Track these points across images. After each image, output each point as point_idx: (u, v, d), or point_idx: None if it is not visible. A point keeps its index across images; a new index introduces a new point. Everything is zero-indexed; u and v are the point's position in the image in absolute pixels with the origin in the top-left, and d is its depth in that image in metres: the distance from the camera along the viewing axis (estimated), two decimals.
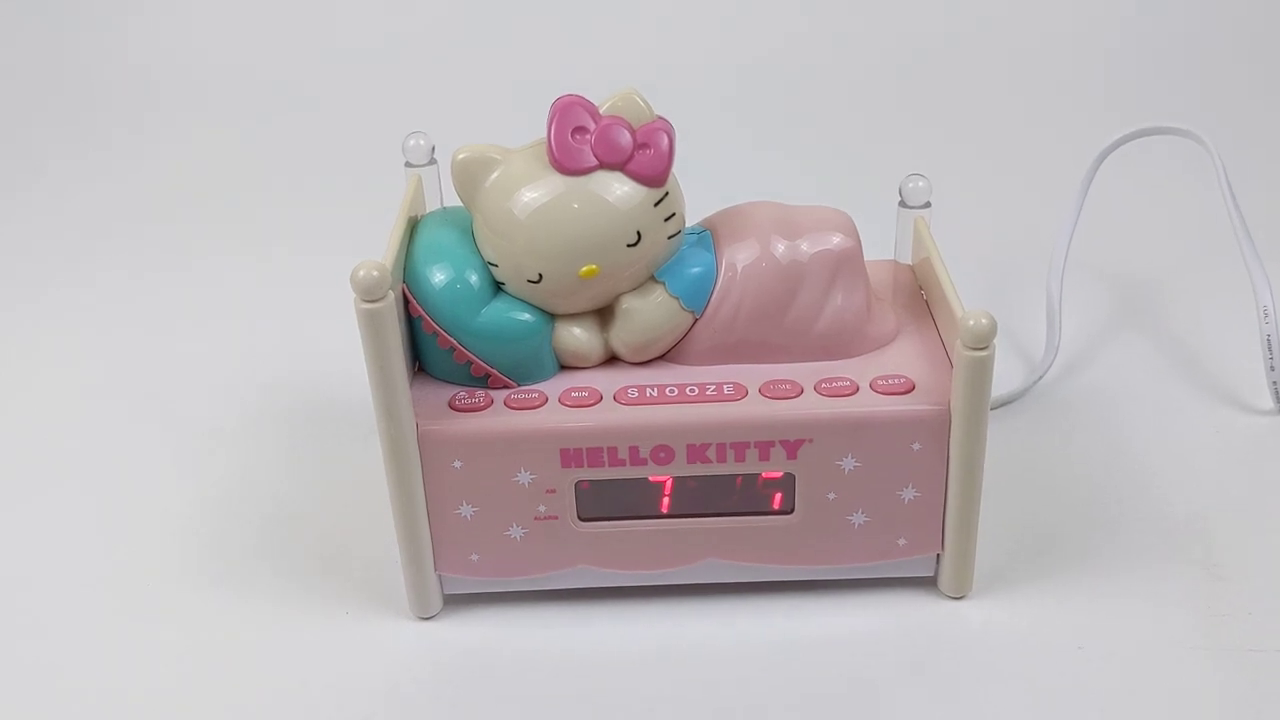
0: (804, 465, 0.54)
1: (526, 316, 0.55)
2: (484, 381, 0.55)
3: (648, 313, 0.55)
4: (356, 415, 0.68)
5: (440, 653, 0.56)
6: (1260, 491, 0.65)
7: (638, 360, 0.57)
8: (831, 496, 0.55)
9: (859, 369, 0.56)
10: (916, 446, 0.54)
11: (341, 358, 0.66)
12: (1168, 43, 1.16)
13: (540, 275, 0.53)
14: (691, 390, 0.55)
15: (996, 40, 1.17)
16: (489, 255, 0.54)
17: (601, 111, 0.53)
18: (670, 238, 0.54)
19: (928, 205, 0.63)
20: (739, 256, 0.55)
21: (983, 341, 0.51)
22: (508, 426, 0.54)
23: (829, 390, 0.54)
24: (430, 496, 0.55)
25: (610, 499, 0.55)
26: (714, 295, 0.55)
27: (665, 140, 0.53)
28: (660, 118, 0.54)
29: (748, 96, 1.14)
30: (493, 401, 0.55)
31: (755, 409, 0.54)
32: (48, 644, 0.57)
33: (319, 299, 0.73)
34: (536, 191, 0.53)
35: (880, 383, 0.55)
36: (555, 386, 0.55)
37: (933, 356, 0.57)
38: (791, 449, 0.54)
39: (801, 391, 0.54)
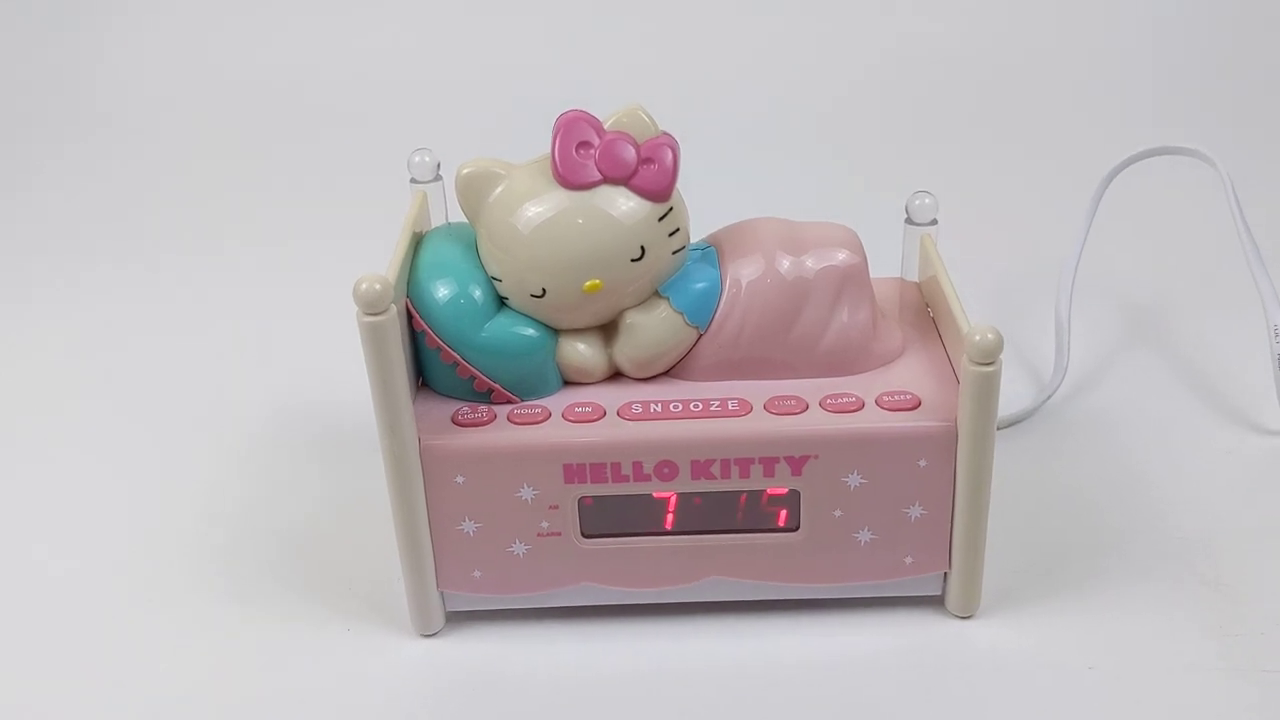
0: (809, 482, 0.54)
1: (530, 331, 0.54)
2: (487, 397, 0.55)
3: (652, 328, 0.55)
4: (360, 433, 0.68)
5: (442, 670, 0.56)
6: (1273, 511, 0.64)
7: (642, 376, 0.56)
8: (837, 514, 0.54)
9: (865, 385, 0.55)
10: (923, 463, 0.53)
11: (345, 375, 0.66)
12: (1176, 63, 1.16)
13: (544, 290, 0.53)
14: (696, 406, 0.54)
15: (1004, 60, 1.17)
16: (493, 270, 0.54)
17: (606, 127, 0.53)
18: (674, 253, 0.54)
19: (934, 223, 0.62)
20: (744, 272, 0.55)
21: (989, 356, 0.50)
22: (511, 441, 0.53)
23: (834, 406, 0.54)
24: (432, 512, 0.54)
25: (613, 515, 0.55)
26: (718, 311, 0.55)
27: (670, 155, 0.53)
28: (665, 133, 0.54)
29: (755, 114, 1.14)
30: (496, 416, 0.54)
31: (760, 425, 0.53)
32: (50, 660, 0.57)
33: (324, 316, 0.72)
34: (540, 206, 0.53)
35: (886, 399, 0.54)
36: (558, 402, 0.55)
37: (939, 373, 0.56)
38: (796, 465, 0.53)
39: (807, 407, 0.54)
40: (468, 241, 0.55)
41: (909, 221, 0.62)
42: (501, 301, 0.55)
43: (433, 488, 0.54)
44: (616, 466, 0.53)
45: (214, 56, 1.22)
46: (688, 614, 0.57)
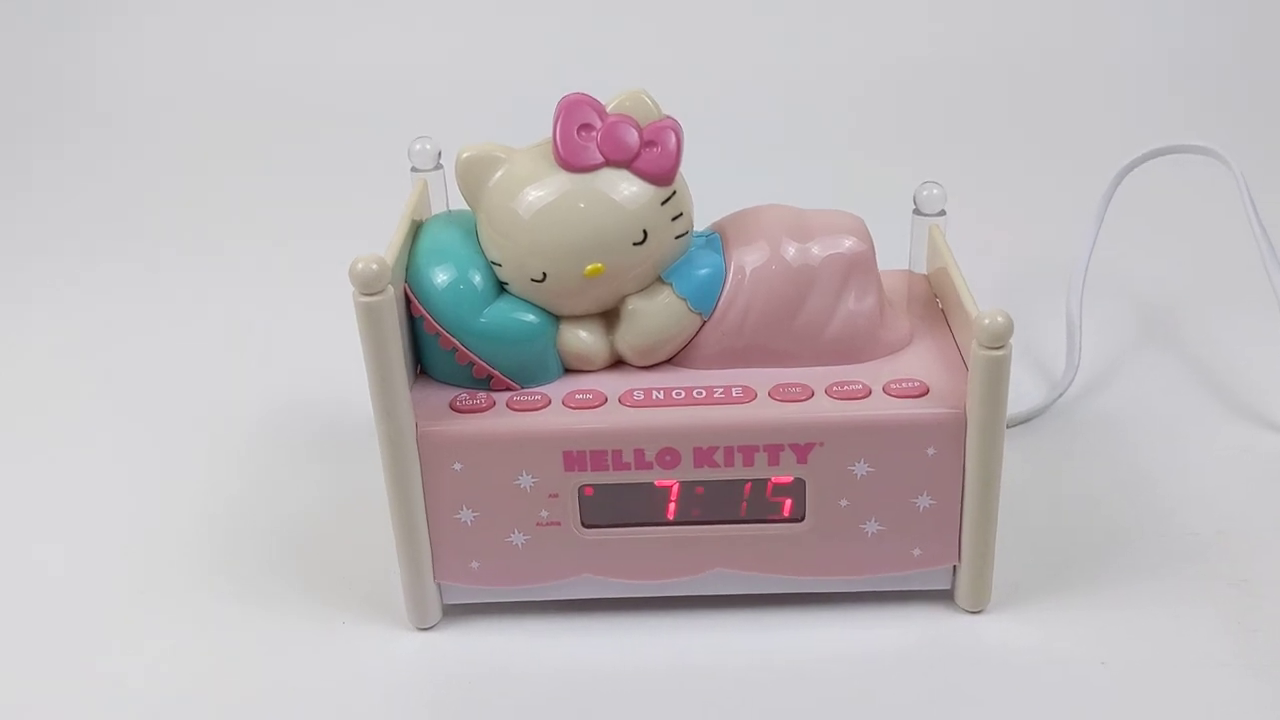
0: (815, 470, 0.52)
1: (530, 318, 0.53)
2: (486, 384, 0.54)
3: (654, 314, 0.54)
4: (360, 428, 0.67)
5: (438, 665, 0.55)
6: None
7: (644, 364, 0.55)
8: (844, 504, 0.53)
9: (872, 373, 0.54)
10: (931, 451, 0.52)
11: (345, 372, 0.65)
12: (1188, 60, 1.15)
13: (544, 274, 0.52)
14: (699, 393, 0.53)
15: (1016, 58, 1.17)
16: (493, 255, 0.53)
17: (609, 110, 0.52)
18: (678, 238, 0.53)
19: (943, 213, 0.61)
20: (748, 259, 0.54)
21: (999, 340, 0.49)
22: (509, 428, 0.52)
23: (840, 393, 0.53)
24: (429, 500, 0.53)
25: (614, 505, 0.53)
26: (722, 297, 0.54)
27: (673, 139, 0.52)
28: (668, 116, 0.53)
29: (762, 105, 1.13)
30: (495, 403, 0.53)
31: (764, 411, 0.52)
32: (45, 653, 0.56)
33: (324, 307, 0.72)
34: (541, 189, 0.52)
35: (894, 386, 0.53)
36: (559, 389, 0.54)
37: (948, 361, 0.55)
38: (802, 453, 0.52)
39: (812, 394, 0.53)
40: (467, 228, 0.54)
41: (917, 212, 0.62)
42: (501, 287, 0.54)
43: (430, 475, 0.53)
44: (618, 454, 0.52)
45: (211, 52, 1.22)
46: (690, 608, 0.56)
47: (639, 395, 0.53)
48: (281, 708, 0.53)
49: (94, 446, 0.72)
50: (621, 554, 0.54)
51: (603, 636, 0.55)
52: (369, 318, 0.49)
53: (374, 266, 0.48)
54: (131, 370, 0.80)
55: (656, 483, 0.53)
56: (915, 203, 0.62)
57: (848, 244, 0.55)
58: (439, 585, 0.56)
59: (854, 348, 0.55)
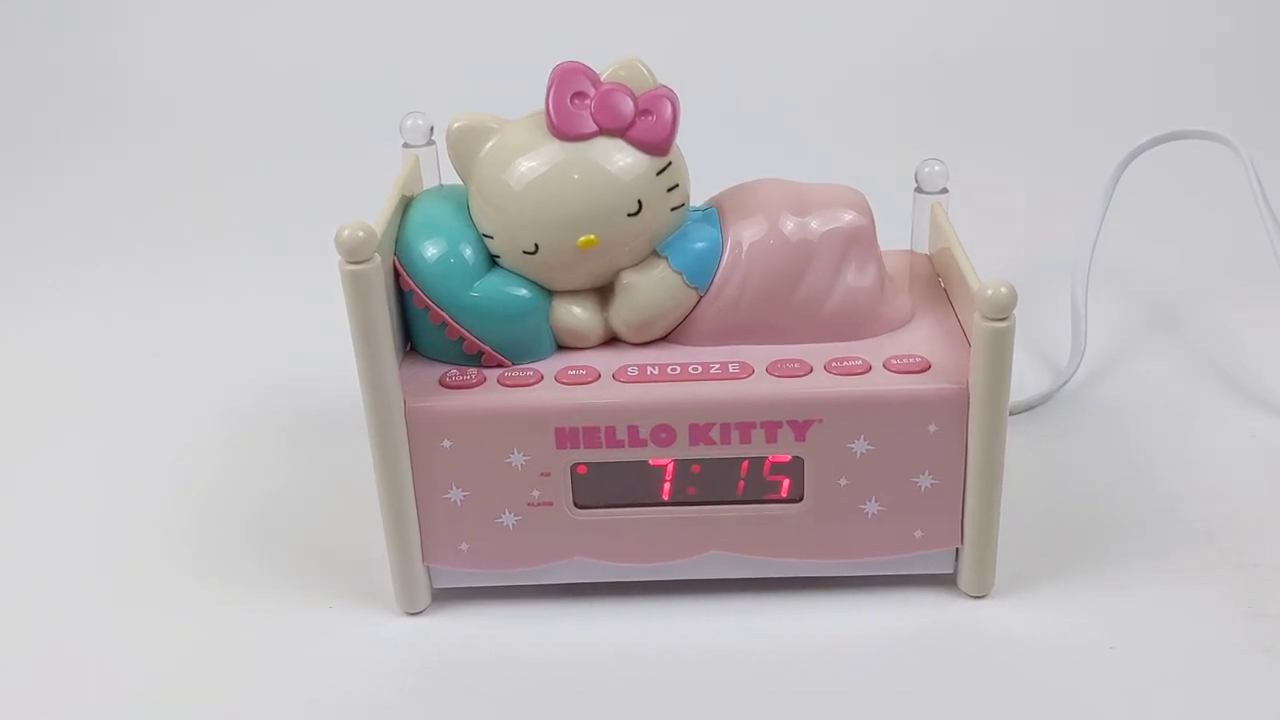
0: (813, 448, 0.51)
1: (522, 292, 0.52)
2: (477, 360, 0.53)
3: (649, 289, 0.52)
4: (347, 408, 0.65)
5: (427, 650, 0.53)
6: None
7: (639, 340, 0.54)
8: (843, 483, 0.52)
9: (872, 349, 0.53)
10: (933, 429, 0.51)
11: (337, 349, 0.63)
12: (1196, 45, 1.14)
13: (536, 246, 0.51)
14: (695, 368, 0.52)
15: (1020, 44, 1.16)
16: (484, 227, 0.52)
17: (603, 79, 0.51)
18: (673, 210, 0.52)
19: (945, 191, 0.60)
20: (746, 233, 0.53)
21: (1002, 311, 0.48)
22: (500, 404, 0.51)
23: (840, 369, 0.51)
24: (418, 479, 0.52)
25: (608, 484, 0.52)
26: (719, 272, 0.53)
27: (669, 107, 0.51)
28: (663, 85, 0.51)
29: (770, 86, 1.12)
30: (485, 379, 0.52)
31: (762, 387, 0.51)
32: (31, 639, 0.55)
33: (311, 290, 0.70)
34: (534, 159, 0.51)
35: (895, 362, 0.52)
36: (551, 365, 0.53)
37: (950, 338, 0.54)
38: (800, 430, 0.51)
39: (811, 370, 0.51)
40: (459, 201, 0.53)
41: (919, 190, 0.61)
42: (493, 261, 0.52)
43: (418, 452, 0.51)
44: (611, 431, 0.51)
45: (199, 33, 1.21)
46: (686, 592, 0.55)
47: (633, 371, 0.52)
48: (268, 694, 0.51)
49: (76, 432, 0.70)
50: (615, 535, 0.53)
51: (596, 622, 0.54)
52: (355, 286, 0.48)
53: (360, 233, 0.47)
54: (123, 358, 0.78)
55: (651, 461, 0.52)
56: (917, 180, 0.60)
57: (847, 218, 0.54)
58: (428, 569, 0.54)
59: (854, 324, 0.54)
